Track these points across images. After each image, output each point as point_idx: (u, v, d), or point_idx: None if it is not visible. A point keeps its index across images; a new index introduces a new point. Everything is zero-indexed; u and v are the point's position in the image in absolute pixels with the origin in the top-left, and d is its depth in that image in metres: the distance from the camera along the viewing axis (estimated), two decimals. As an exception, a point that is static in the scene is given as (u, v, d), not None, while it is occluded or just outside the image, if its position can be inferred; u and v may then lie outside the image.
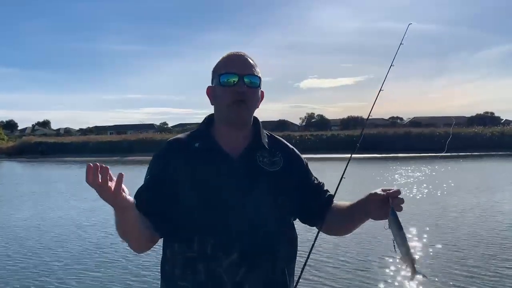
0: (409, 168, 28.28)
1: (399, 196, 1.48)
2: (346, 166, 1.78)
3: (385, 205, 1.48)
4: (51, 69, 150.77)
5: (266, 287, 1.50)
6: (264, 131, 1.67)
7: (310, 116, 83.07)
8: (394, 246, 1.48)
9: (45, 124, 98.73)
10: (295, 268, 1.67)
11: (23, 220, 11.69)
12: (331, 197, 1.69)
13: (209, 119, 1.65)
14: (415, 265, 1.47)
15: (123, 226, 1.41)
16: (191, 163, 1.52)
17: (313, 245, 1.61)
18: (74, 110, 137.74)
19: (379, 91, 1.85)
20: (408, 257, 1.47)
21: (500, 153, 42.75)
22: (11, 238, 9.55)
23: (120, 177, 1.25)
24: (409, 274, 1.49)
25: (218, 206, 1.48)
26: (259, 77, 1.59)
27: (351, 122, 73.03)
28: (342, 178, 1.74)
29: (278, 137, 1.72)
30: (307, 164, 1.71)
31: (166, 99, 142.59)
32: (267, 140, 1.64)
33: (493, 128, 59.43)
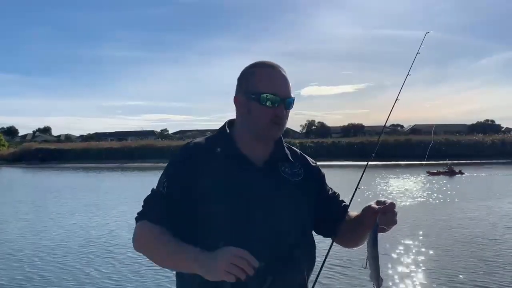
0: (408, 175, 28.25)
1: (395, 210, 1.43)
2: (362, 176, 1.69)
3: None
4: (52, 75, 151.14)
5: None
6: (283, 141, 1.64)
7: (311, 123, 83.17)
8: (366, 262, 1.43)
9: (46, 130, 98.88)
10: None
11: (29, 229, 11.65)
12: (346, 208, 1.64)
13: (231, 124, 1.60)
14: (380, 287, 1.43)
15: (171, 266, 1.48)
16: (214, 168, 1.46)
17: (327, 255, 1.58)
18: (75, 117, 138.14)
19: (396, 100, 1.80)
20: (375, 278, 1.42)
21: (502, 161, 42.71)
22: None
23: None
24: None
25: (244, 214, 1.43)
26: (294, 98, 1.55)
27: (351, 129, 73.10)
28: (357, 188, 1.67)
29: (294, 148, 1.67)
30: (323, 175, 1.68)
31: (167, 106, 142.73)
32: (287, 151, 1.61)
33: (493, 136, 59.51)
